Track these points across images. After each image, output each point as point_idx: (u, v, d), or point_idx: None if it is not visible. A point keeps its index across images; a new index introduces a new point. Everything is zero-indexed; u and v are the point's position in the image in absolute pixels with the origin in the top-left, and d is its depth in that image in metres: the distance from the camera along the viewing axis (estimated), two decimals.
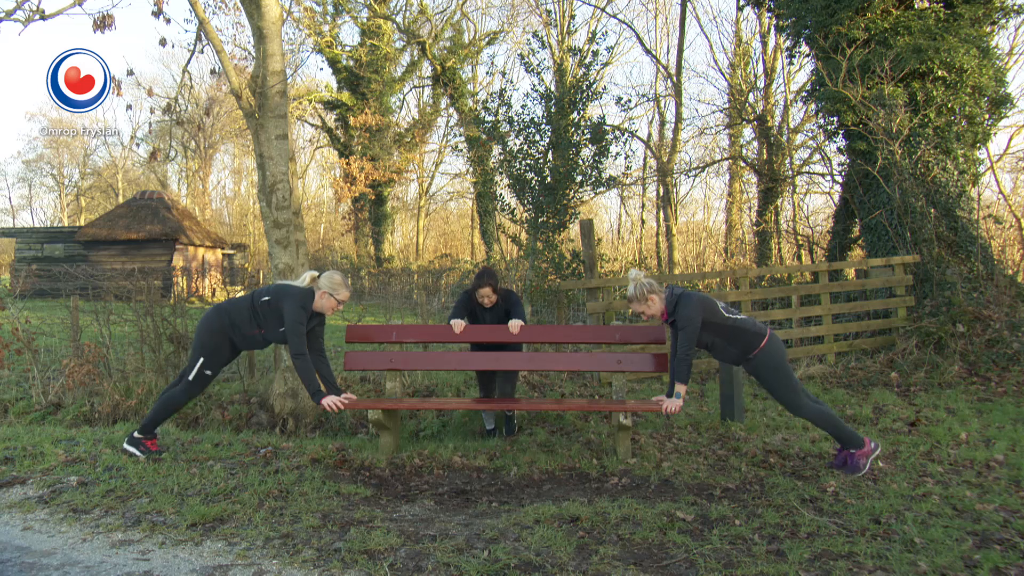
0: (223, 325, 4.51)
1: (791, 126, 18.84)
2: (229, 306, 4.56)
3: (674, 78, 22.46)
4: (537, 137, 12.18)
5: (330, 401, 4.35)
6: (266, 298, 4.46)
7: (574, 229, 14.79)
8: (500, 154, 12.72)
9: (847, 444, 4.17)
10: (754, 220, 17.97)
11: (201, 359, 4.50)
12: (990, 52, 9.03)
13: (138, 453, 4.50)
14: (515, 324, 4.96)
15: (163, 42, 7.05)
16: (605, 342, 4.99)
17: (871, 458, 4.15)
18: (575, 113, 12.05)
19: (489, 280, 5.18)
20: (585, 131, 12.00)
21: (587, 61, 12.38)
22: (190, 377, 4.51)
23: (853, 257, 10.72)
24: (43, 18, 6.11)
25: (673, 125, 22.62)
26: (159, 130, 35.96)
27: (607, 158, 12.18)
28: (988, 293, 7.84)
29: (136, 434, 4.58)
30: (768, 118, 17.84)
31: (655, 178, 22.63)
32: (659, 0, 26.56)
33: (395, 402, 4.80)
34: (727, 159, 21.84)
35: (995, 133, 9.69)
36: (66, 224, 43.29)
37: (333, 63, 29.08)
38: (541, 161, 12.06)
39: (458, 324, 5.01)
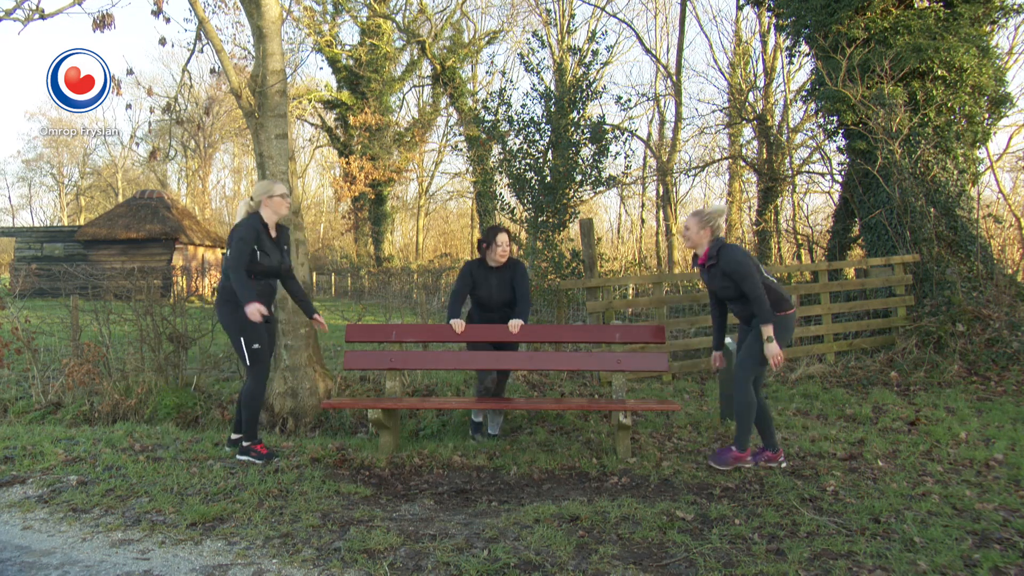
0: (230, 296, 4.45)
1: (791, 125, 18.84)
2: (223, 279, 4.57)
3: (674, 77, 22.46)
4: (537, 136, 12.18)
5: (252, 309, 4.25)
6: (227, 252, 4.49)
7: (574, 228, 14.80)
8: (500, 153, 12.72)
9: (737, 441, 4.23)
10: (754, 219, 17.96)
11: (242, 338, 4.44)
12: (990, 51, 9.03)
13: (254, 460, 4.47)
14: (515, 324, 4.92)
15: (163, 41, 7.04)
16: (605, 341, 4.99)
17: (776, 464, 4.25)
18: (575, 112, 12.05)
19: (504, 228, 5.25)
20: (585, 130, 12.00)
21: (587, 60, 12.38)
22: (247, 362, 4.48)
23: (853, 256, 10.72)
24: (43, 17, 6.11)
25: (673, 124, 22.63)
26: (159, 129, 35.93)
27: (607, 157, 12.19)
28: (988, 292, 7.84)
29: (244, 443, 4.56)
30: (768, 117, 17.84)
31: (655, 177, 22.63)
32: None
33: (395, 401, 4.80)
34: (727, 158, 21.83)
35: (995, 132, 9.70)
36: (66, 223, 43.28)
37: (333, 62, 29.08)
38: (541, 160, 12.06)
39: (458, 324, 4.98)
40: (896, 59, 8.66)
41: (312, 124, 34.23)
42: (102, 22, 6.28)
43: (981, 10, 8.89)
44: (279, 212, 4.56)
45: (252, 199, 4.58)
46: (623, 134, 12.64)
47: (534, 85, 12.27)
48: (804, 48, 10.92)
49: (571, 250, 11.47)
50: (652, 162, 24.09)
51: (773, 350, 4.00)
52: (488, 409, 5.33)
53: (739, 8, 21.03)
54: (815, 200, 27.95)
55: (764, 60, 19.58)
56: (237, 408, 4.74)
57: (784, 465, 4.25)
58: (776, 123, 18.38)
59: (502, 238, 5.12)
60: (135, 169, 45.55)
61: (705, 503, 3.67)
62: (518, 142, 12.23)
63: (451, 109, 30.77)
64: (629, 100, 13.15)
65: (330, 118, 31.60)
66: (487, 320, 5.22)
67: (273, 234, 4.58)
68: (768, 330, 4.01)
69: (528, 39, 13.25)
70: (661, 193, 22.69)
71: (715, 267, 4.15)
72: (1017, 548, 3.03)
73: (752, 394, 4.19)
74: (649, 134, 25.66)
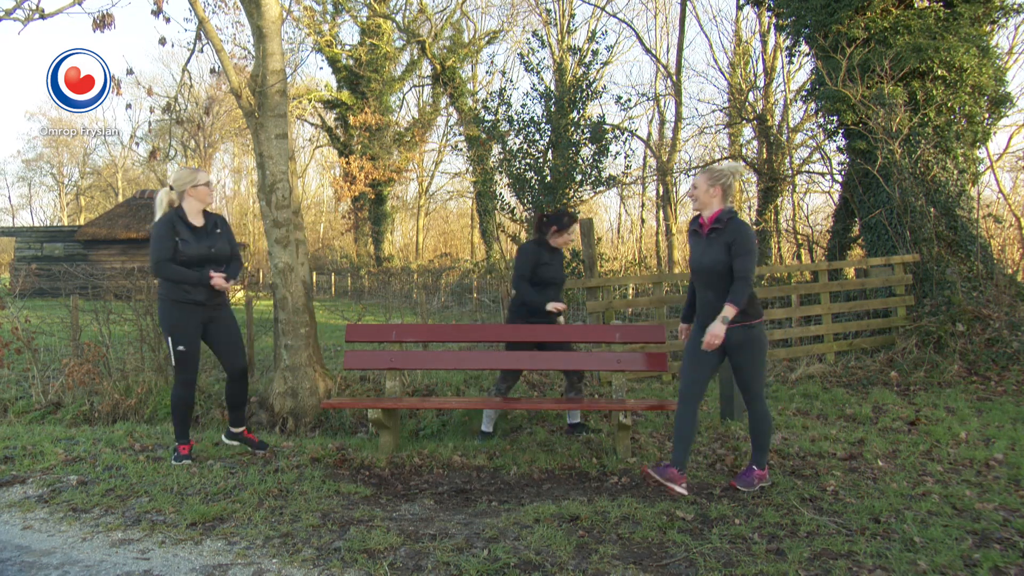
0: (163, 294, 4.43)
1: (791, 125, 18.84)
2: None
3: (674, 77, 22.46)
4: (537, 136, 12.17)
5: (213, 281, 4.34)
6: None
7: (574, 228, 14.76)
8: (500, 153, 12.72)
9: (758, 461, 3.94)
10: (754, 219, 17.95)
11: (170, 338, 4.42)
12: (990, 51, 9.03)
13: (174, 462, 4.46)
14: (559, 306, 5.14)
15: (163, 41, 7.04)
16: (605, 341, 4.99)
17: (763, 483, 3.92)
18: (575, 112, 12.05)
19: (573, 214, 5.34)
20: (585, 130, 12.00)
21: (587, 60, 12.38)
22: (172, 362, 4.49)
23: (853, 256, 10.72)
24: (43, 17, 6.11)
25: (673, 124, 22.63)
26: (159, 129, 35.90)
27: (607, 157, 12.18)
28: (988, 292, 7.84)
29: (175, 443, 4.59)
30: (768, 117, 17.84)
31: (655, 177, 22.63)
32: None
33: (395, 401, 4.80)
34: (727, 158, 21.79)
35: (995, 132, 9.69)
36: (66, 223, 43.28)
37: (333, 62, 29.08)
38: (541, 160, 12.06)
39: (556, 305, 5.14)
40: (896, 59, 8.66)
41: (312, 124, 34.24)
42: (102, 22, 6.29)
43: (981, 10, 8.88)
44: (204, 201, 4.45)
45: (173, 188, 4.44)
46: (623, 134, 12.64)
47: (534, 85, 12.28)
48: (804, 48, 10.91)
49: (571, 250, 11.46)
50: (652, 162, 24.09)
51: (718, 329, 3.63)
52: (496, 413, 5.37)
53: (739, 8, 21.03)
54: (815, 200, 27.96)
55: (764, 60, 19.58)
56: (228, 406, 4.80)
57: (683, 490, 3.75)
58: (776, 123, 18.38)
59: (576, 227, 5.33)
60: (135, 169, 45.56)
61: (705, 503, 3.67)
62: (518, 142, 12.23)
63: (451, 109, 30.78)
64: (629, 100, 13.15)
65: (330, 118, 31.60)
66: (549, 299, 5.17)
67: (199, 222, 4.43)
68: (731, 311, 3.64)
69: (528, 39, 13.26)
70: (661, 193, 22.68)
71: (718, 234, 3.75)
72: (1017, 548, 3.03)
73: (764, 408, 3.91)
74: (649, 134, 25.67)
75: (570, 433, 5.30)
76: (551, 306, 5.10)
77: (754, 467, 3.92)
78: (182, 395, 4.52)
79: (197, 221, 4.44)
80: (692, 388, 3.86)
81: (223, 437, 4.85)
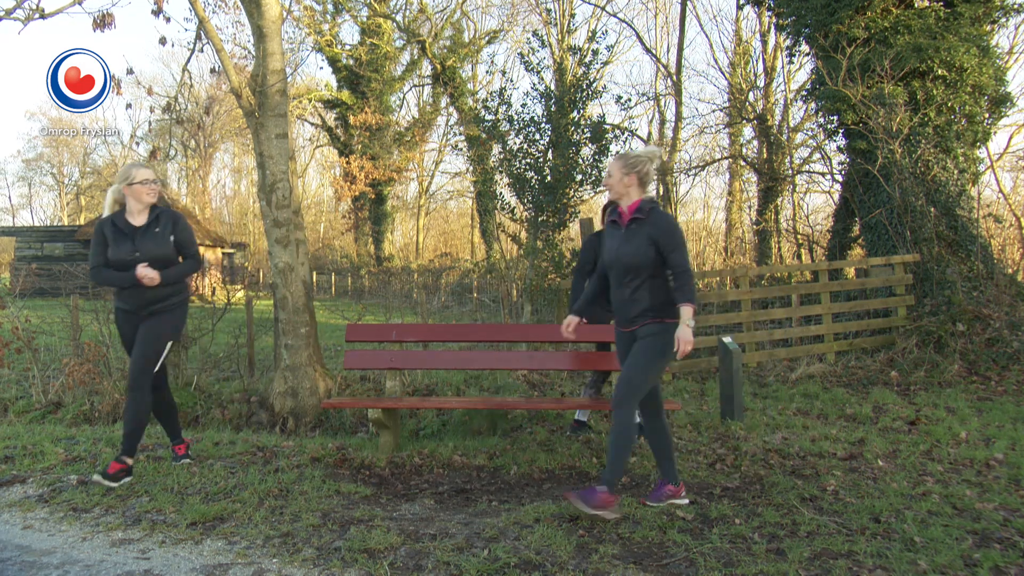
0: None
1: (791, 125, 18.85)
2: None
3: (674, 77, 22.46)
4: (537, 136, 12.16)
5: (141, 271, 3.96)
6: None
7: (574, 228, 14.78)
8: (500, 153, 12.70)
9: (667, 473, 3.62)
10: (754, 219, 17.96)
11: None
12: (990, 51, 9.03)
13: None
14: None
15: (163, 41, 7.05)
16: (605, 341, 4.99)
17: (678, 500, 3.58)
18: (575, 112, 12.03)
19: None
20: (585, 130, 11.98)
21: (587, 60, 12.36)
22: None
23: (853, 256, 10.72)
24: (43, 17, 6.11)
25: (673, 124, 22.64)
26: (159, 129, 35.91)
27: (607, 157, 12.16)
28: (988, 292, 7.84)
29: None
30: (768, 117, 17.84)
31: (655, 177, 22.61)
32: None
33: (395, 401, 4.80)
34: (727, 158, 21.83)
35: (995, 132, 9.70)
36: (66, 223, 43.28)
37: (333, 62, 29.09)
38: (541, 160, 12.04)
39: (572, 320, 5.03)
40: (896, 59, 8.66)
41: (312, 124, 34.24)
42: (102, 22, 6.29)
43: (981, 10, 8.89)
44: (141, 200, 4.08)
45: (117, 193, 4.17)
46: (623, 134, 12.61)
47: (534, 85, 12.25)
48: (804, 48, 10.92)
49: (571, 249, 11.48)
50: None
51: (688, 335, 3.29)
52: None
53: (739, 8, 21.05)
54: (815, 200, 27.97)
55: (764, 60, 19.59)
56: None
57: (615, 514, 3.35)
58: (776, 123, 18.39)
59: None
60: None
61: (705, 503, 3.66)
62: (518, 142, 12.21)
63: (451, 109, 30.79)
64: (629, 100, 13.12)
65: (330, 118, 31.62)
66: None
67: (140, 221, 4.10)
68: (689, 311, 3.31)
69: (528, 39, 13.24)
70: (661, 193, 22.67)
71: (640, 225, 3.44)
72: (1017, 548, 3.03)
73: (633, 417, 3.45)
74: (649, 134, 25.66)
75: (573, 430, 5.28)
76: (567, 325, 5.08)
77: (667, 482, 3.59)
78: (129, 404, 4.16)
79: (138, 220, 4.11)
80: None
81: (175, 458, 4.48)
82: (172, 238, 4.15)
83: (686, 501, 3.59)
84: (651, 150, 3.60)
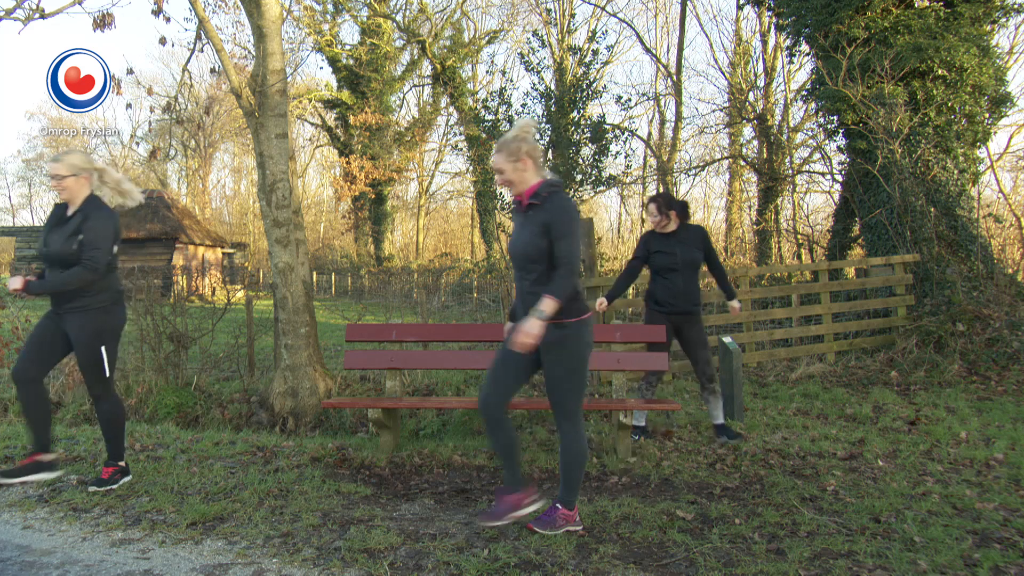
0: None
1: (791, 125, 18.85)
2: None
3: (674, 77, 22.47)
4: (537, 136, 12.17)
5: (12, 282, 3.74)
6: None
7: None
8: None
9: (564, 498, 3.24)
10: (754, 219, 17.96)
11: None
12: (990, 51, 9.03)
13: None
14: (735, 306, 5.01)
15: (163, 41, 7.05)
16: (605, 341, 4.99)
17: (570, 527, 3.21)
18: (575, 112, 12.06)
19: (655, 197, 5.00)
20: (585, 130, 12.00)
21: (587, 60, 12.38)
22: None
23: (853, 256, 10.72)
24: (43, 16, 6.11)
25: (673, 124, 22.67)
26: (159, 129, 35.98)
27: (607, 157, 12.19)
28: (988, 292, 7.84)
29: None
30: (768, 117, 17.85)
31: (655, 177, 22.62)
32: None
33: (395, 401, 4.80)
34: (727, 158, 21.83)
35: (995, 132, 9.71)
36: None
37: (333, 62, 29.10)
38: (541, 160, 12.06)
39: (600, 303, 5.07)
40: (896, 59, 8.66)
41: (312, 124, 34.25)
42: (102, 22, 6.29)
43: (981, 10, 8.89)
44: (58, 193, 3.87)
45: None
46: (623, 134, 12.64)
47: (534, 85, 12.28)
48: (804, 47, 10.92)
49: None
50: (652, 162, 24.10)
51: (531, 327, 2.93)
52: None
53: (739, 8, 21.05)
54: (815, 200, 27.94)
55: (764, 60, 19.60)
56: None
57: (535, 508, 3.24)
58: (776, 122, 18.39)
59: (649, 208, 5.01)
60: (135, 168, 45.57)
61: (705, 503, 3.66)
62: None
63: (451, 109, 30.80)
64: (629, 100, 13.18)
65: (330, 118, 31.63)
66: (668, 286, 4.94)
67: (70, 213, 3.84)
68: (549, 305, 2.94)
69: (528, 39, 13.26)
70: (661, 193, 22.68)
71: (536, 211, 3.08)
72: (1017, 547, 3.03)
73: (583, 433, 3.21)
74: (649, 133, 25.70)
75: (633, 436, 4.99)
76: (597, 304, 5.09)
77: (558, 505, 3.22)
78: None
79: (71, 211, 3.86)
80: (493, 394, 3.17)
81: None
82: (80, 237, 3.73)
83: (580, 527, 3.23)
84: (521, 124, 3.21)
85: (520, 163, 3.10)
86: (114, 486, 3.92)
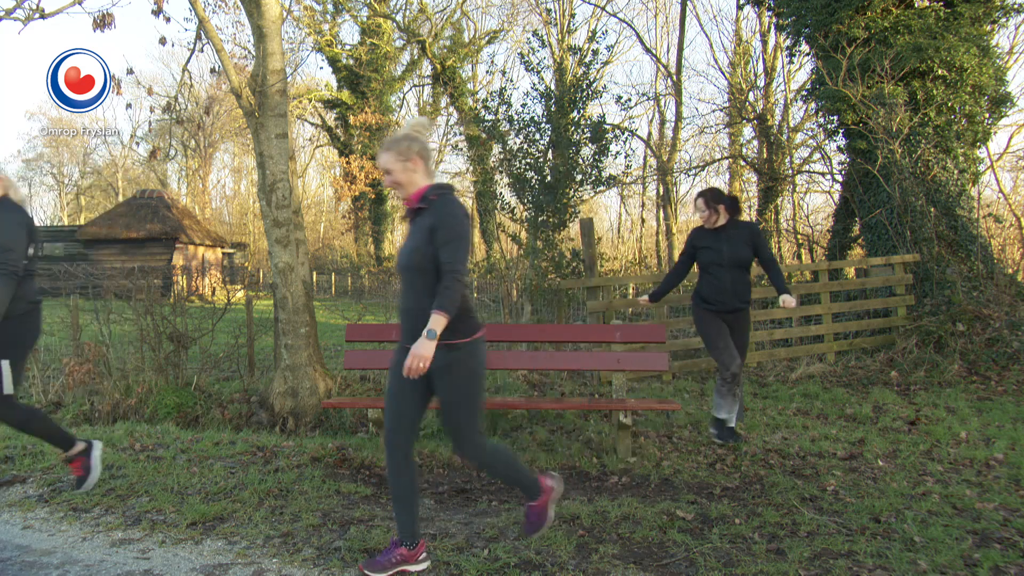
0: None
1: (791, 125, 18.84)
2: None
3: (674, 77, 22.46)
4: (537, 136, 12.16)
5: None
6: None
7: (574, 228, 14.78)
8: (500, 153, 12.71)
9: (529, 492, 2.99)
10: (754, 219, 17.94)
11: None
12: (990, 51, 9.03)
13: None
14: (788, 300, 4.50)
15: (163, 41, 7.05)
16: (605, 341, 4.99)
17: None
18: (575, 112, 12.04)
19: (704, 191, 4.81)
20: (585, 130, 11.99)
21: (587, 60, 12.36)
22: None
23: (853, 256, 10.72)
24: (43, 16, 6.11)
25: (673, 124, 22.65)
26: (159, 129, 35.96)
27: (607, 157, 12.17)
28: (988, 292, 7.84)
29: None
30: (768, 117, 17.84)
31: (655, 177, 22.64)
32: None
33: None
34: (727, 158, 21.83)
35: (995, 132, 9.70)
36: (66, 223, 43.30)
37: (333, 62, 29.11)
38: (541, 160, 12.05)
39: (645, 299, 5.17)
40: (896, 58, 8.66)
41: (312, 124, 34.25)
42: (102, 22, 6.29)
43: (981, 9, 8.89)
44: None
45: None
46: (623, 134, 12.62)
47: (534, 85, 12.26)
48: (804, 47, 10.92)
49: (571, 250, 11.47)
50: (652, 162, 24.10)
51: (423, 350, 2.61)
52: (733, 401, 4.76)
53: (739, 8, 21.05)
54: (815, 200, 27.99)
55: (764, 60, 19.59)
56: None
57: (425, 567, 2.87)
58: (776, 122, 18.39)
59: (697, 203, 4.82)
60: (135, 168, 45.59)
61: (705, 502, 3.66)
62: (518, 142, 12.21)
63: (451, 109, 30.80)
64: (629, 100, 13.16)
65: (330, 118, 31.64)
66: (714, 283, 4.72)
67: None
68: (438, 322, 2.62)
69: (528, 38, 13.25)
70: (661, 193, 22.69)
71: (423, 216, 2.80)
72: (1017, 547, 3.03)
73: (486, 446, 2.89)
74: (649, 133, 25.68)
75: (722, 437, 4.79)
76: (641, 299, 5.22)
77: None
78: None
79: None
80: (396, 430, 2.87)
81: None
82: None
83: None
84: (414, 122, 2.95)
85: (410, 163, 2.83)
86: (94, 472, 3.77)
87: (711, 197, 4.77)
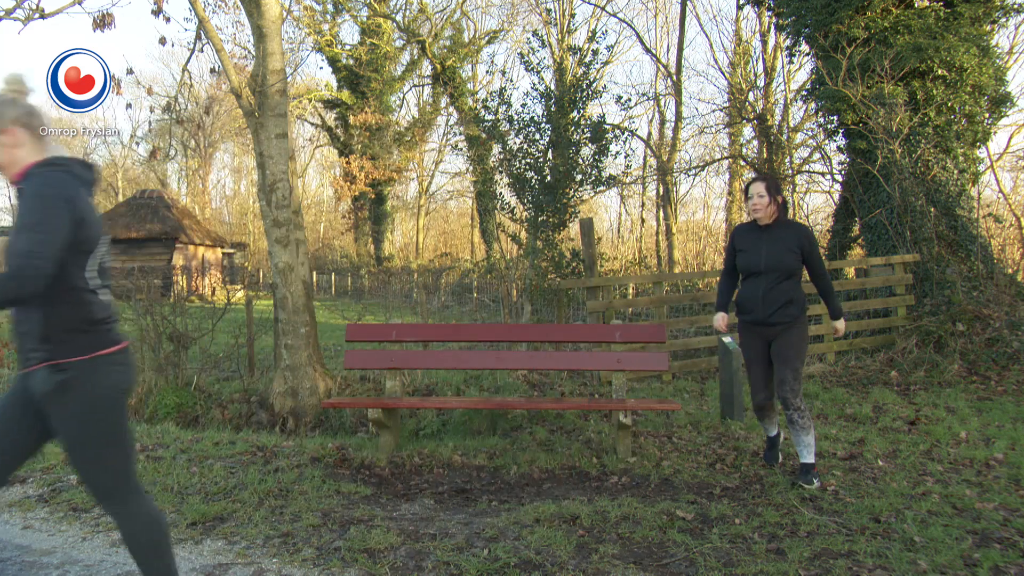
0: None
1: (791, 125, 18.85)
2: None
3: (674, 77, 22.47)
4: (537, 136, 12.17)
5: None
6: None
7: (574, 228, 14.79)
8: (500, 153, 12.71)
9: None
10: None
11: None
12: (990, 51, 9.03)
13: None
14: (839, 327, 4.16)
15: (163, 41, 7.05)
16: (605, 341, 4.99)
17: None
18: (575, 112, 12.04)
19: (764, 175, 4.24)
20: (585, 130, 11.99)
21: (587, 60, 12.36)
22: None
23: (853, 256, 10.72)
24: (43, 16, 6.11)
25: (673, 124, 22.65)
26: (159, 129, 35.94)
27: (607, 157, 12.18)
28: (988, 292, 7.84)
29: None
30: (768, 117, 17.85)
31: (655, 177, 22.64)
32: None
33: (395, 401, 4.80)
34: (727, 158, 21.85)
35: (995, 132, 9.69)
36: None
37: (333, 62, 29.10)
38: (541, 160, 12.05)
39: (721, 319, 4.20)
40: (896, 58, 8.65)
41: (312, 123, 34.24)
42: (102, 22, 6.29)
43: (981, 9, 8.88)
44: None
45: None
46: (623, 133, 12.62)
47: (534, 85, 12.26)
48: (804, 47, 10.91)
49: (571, 250, 11.48)
50: (652, 161, 24.11)
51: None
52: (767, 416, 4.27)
53: (739, 8, 21.07)
54: (815, 199, 27.98)
55: (764, 59, 19.60)
56: None
57: None
58: (776, 122, 18.40)
59: (755, 189, 4.00)
60: (135, 168, 45.57)
61: (705, 502, 3.66)
62: (518, 142, 12.22)
63: (451, 108, 30.80)
64: (629, 99, 13.16)
65: (330, 118, 31.63)
66: (749, 291, 4.07)
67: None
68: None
69: (528, 38, 13.25)
70: (661, 192, 22.70)
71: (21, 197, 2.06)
72: (1017, 547, 3.03)
73: (148, 510, 2.23)
74: (649, 133, 25.68)
75: (771, 456, 4.37)
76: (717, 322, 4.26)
77: None
78: None
79: None
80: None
81: None
82: None
83: None
84: (8, 78, 2.33)
85: (6, 136, 2.11)
86: None
87: (773, 185, 4.03)
